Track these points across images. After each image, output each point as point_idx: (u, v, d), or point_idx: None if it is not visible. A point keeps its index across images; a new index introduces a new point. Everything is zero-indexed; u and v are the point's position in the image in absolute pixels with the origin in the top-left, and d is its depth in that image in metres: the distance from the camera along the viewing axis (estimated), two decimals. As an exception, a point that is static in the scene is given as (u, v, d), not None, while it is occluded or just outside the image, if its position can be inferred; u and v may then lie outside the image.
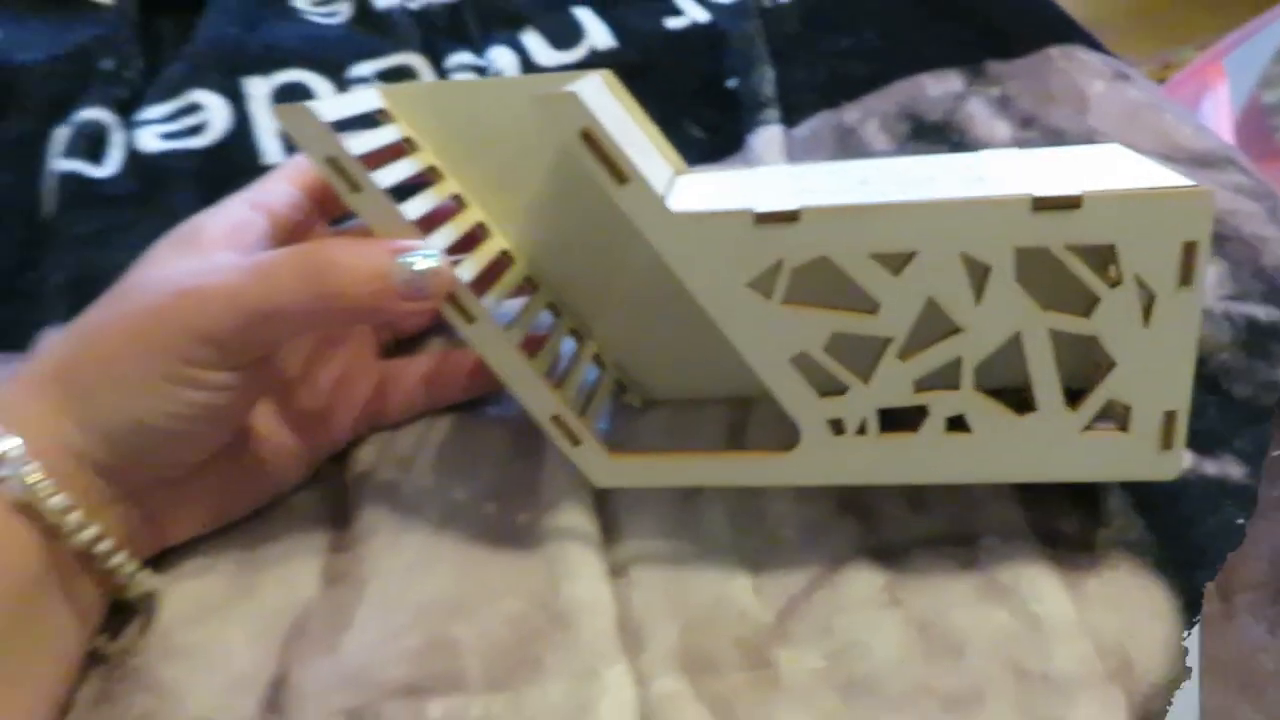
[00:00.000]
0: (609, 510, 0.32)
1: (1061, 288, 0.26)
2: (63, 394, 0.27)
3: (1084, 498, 0.31)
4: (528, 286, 0.33)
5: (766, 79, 0.45)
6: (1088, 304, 0.26)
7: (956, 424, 0.28)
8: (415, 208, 0.28)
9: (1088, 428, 0.28)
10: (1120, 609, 0.29)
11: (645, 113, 0.30)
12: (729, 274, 0.26)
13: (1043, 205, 0.25)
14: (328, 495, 0.33)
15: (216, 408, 0.27)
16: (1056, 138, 0.41)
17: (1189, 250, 0.25)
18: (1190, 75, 0.82)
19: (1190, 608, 0.29)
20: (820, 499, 0.32)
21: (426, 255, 0.27)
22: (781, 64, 0.45)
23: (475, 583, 0.30)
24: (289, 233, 0.31)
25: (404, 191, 0.29)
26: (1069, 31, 0.46)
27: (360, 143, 0.28)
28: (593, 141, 0.25)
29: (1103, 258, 0.26)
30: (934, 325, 0.27)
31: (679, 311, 0.33)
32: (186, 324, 0.26)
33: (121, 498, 0.28)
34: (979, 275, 0.26)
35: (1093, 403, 0.27)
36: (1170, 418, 0.27)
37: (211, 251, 0.28)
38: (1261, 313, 0.34)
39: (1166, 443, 0.28)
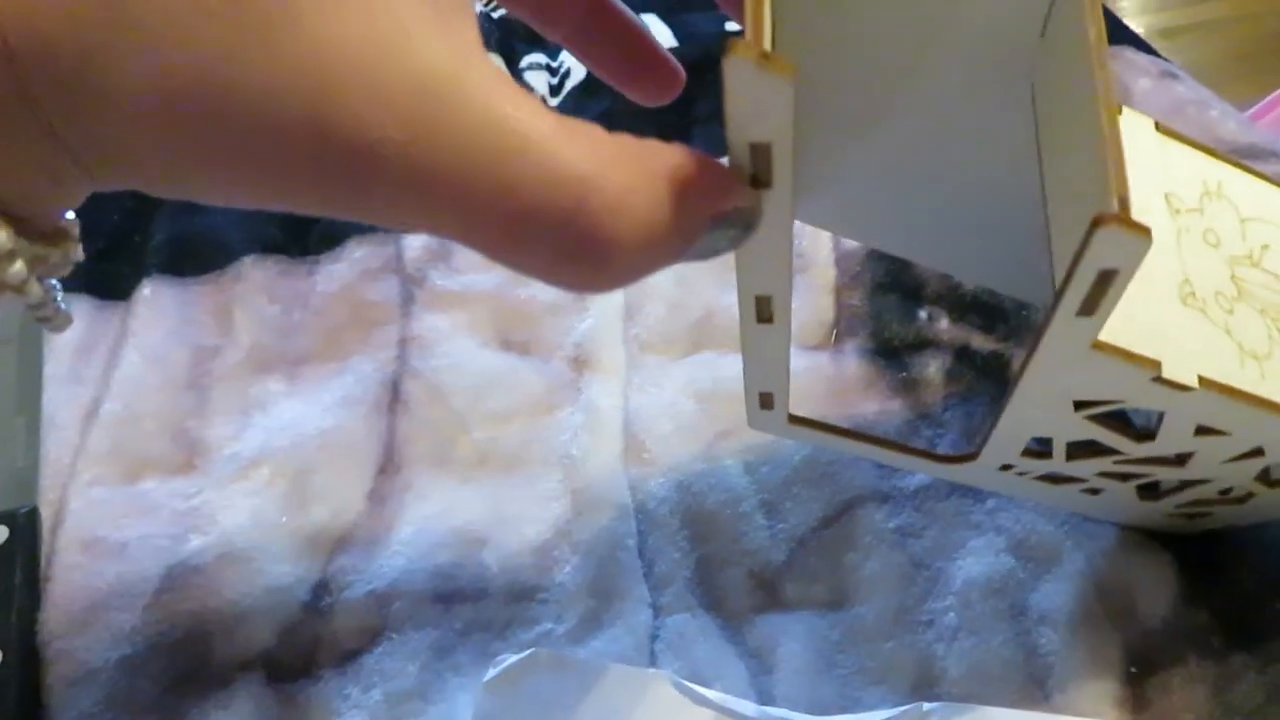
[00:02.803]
0: (634, 454, 0.34)
1: None
2: None
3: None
4: None
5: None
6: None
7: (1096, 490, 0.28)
8: None
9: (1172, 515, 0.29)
10: (1121, 555, 0.29)
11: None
12: (1071, 390, 0.24)
13: None
14: (379, 423, 0.35)
15: None
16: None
17: None
18: (1275, 102, 0.81)
19: (1189, 562, 0.29)
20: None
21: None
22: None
23: (504, 512, 0.33)
24: None
25: None
26: (1119, 33, 0.47)
27: None
28: (1108, 281, 0.20)
29: None
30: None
31: (912, 162, 0.28)
32: None
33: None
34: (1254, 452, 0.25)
35: (1207, 519, 0.29)
36: None
37: None
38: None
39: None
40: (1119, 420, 0.25)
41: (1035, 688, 0.27)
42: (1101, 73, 0.20)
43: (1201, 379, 0.23)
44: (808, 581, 0.30)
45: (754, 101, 0.18)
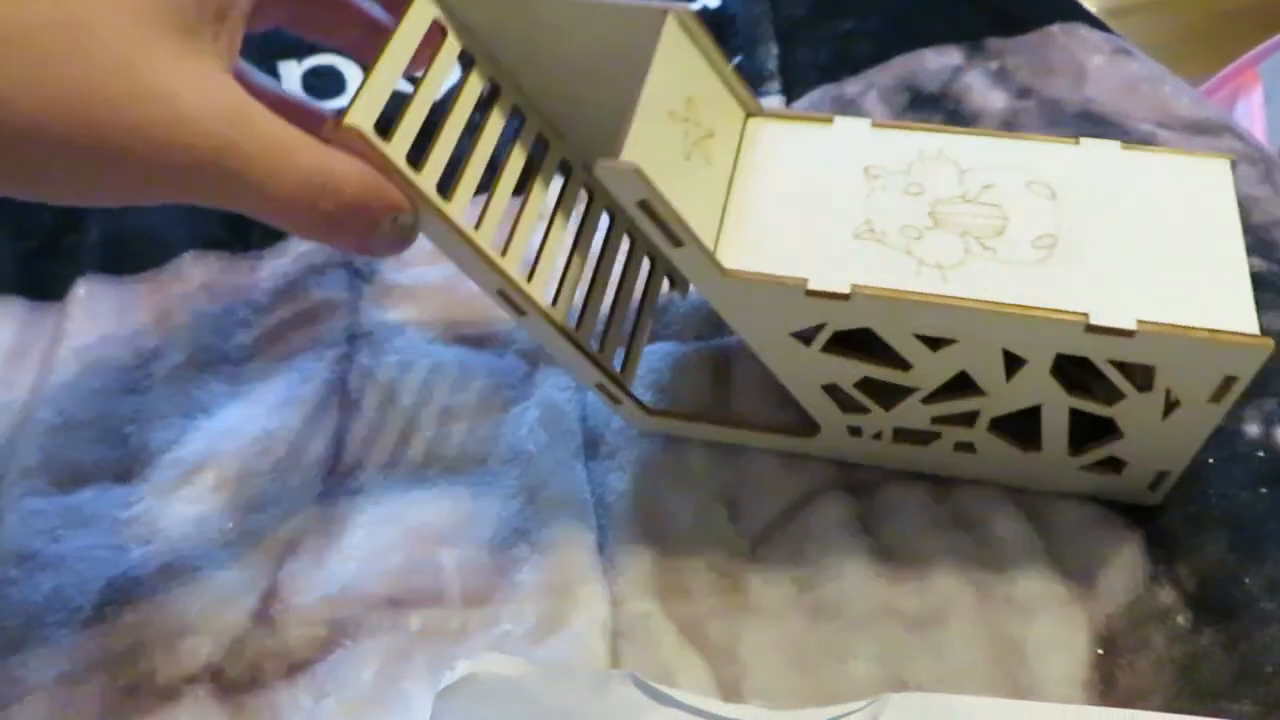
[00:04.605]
0: (592, 449, 0.33)
1: (1087, 368, 0.26)
2: None
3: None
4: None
5: (770, 56, 0.46)
6: (1110, 392, 0.27)
7: (964, 443, 0.30)
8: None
9: (1084, 467, 0.29)
10: (1085, 537, 0.29)
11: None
12: (775, 325, 0.27)
13: (1096, 329, 0.25)
14: (327, 423, 0.34)
15: None
16: (1053, 108, 0.42)
17: (1229, 380, 0.25)
18: (1224, 80, 0.81)
19: (1155, 541, 0.29)
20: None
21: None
22: (786, 45, 0.47)
23: (459, 512, 0.32)
24: None
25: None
26: (1073, 10, 0.47)
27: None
28: (650, 210, 0.25)
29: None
30: (961, 378, 0.27)
31: None
32: None
33: None
34: (1014, 360, 0.26)
35: (1094, 454, 0.29)
36: (1163, 474, 0.28)
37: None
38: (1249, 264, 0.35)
39: (1155, 488, 0.29)
40: (853, 348, 0.27)
41: (1003, 673, 0.27)
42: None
43: (855, 286, 0.25)
44: (771, 574, 0.30)
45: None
